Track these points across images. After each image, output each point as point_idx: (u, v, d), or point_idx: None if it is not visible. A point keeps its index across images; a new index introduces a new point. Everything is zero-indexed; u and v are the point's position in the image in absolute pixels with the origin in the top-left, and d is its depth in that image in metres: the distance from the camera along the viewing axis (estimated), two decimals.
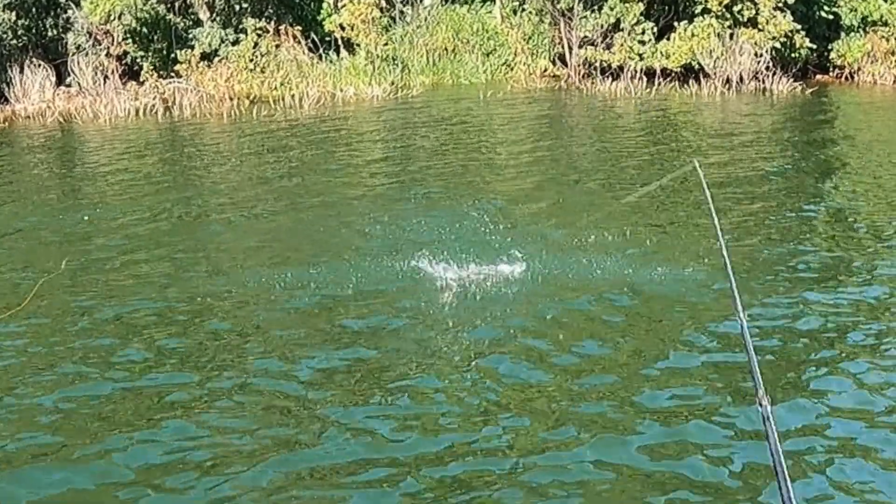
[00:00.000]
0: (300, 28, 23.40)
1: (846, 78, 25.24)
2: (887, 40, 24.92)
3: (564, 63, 24.90)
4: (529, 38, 25.15)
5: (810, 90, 22.95)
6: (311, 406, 6.51)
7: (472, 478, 5.56)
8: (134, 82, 22.01)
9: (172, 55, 22.43)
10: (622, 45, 23.50)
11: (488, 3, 26.14)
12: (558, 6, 24.02)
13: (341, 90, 22.49)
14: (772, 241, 10.42)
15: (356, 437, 6.05)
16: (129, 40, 22.21)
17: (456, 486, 5.49)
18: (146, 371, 7.14)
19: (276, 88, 22.16)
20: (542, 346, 7.45)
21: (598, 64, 23.81)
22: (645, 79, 23.16)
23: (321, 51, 23.49)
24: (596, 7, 23.68)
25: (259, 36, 22.88)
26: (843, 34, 25.21)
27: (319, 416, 6.36)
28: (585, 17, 23.74)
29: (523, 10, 25.43)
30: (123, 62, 22.41)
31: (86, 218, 10.38)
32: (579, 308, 8.26)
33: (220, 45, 22.71)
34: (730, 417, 6.22)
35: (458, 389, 6.72)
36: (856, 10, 25.02)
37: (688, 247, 10.10)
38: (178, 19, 22.92)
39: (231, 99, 21.41)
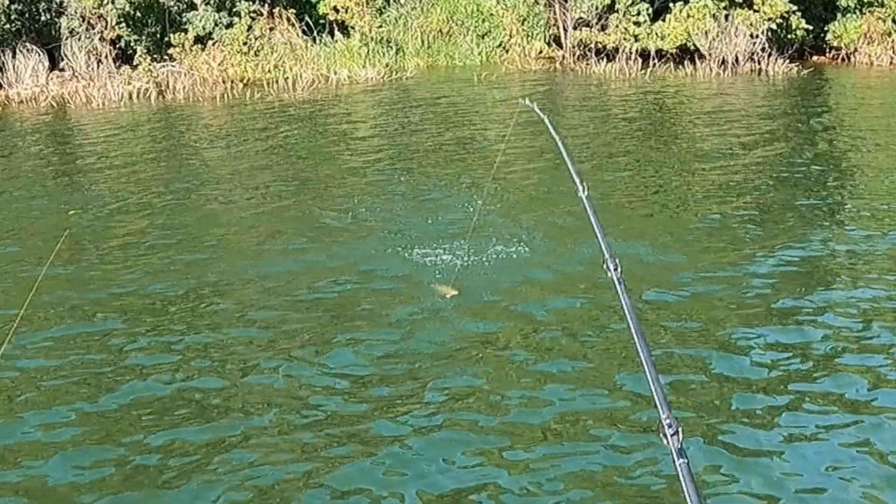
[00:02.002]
0: (294, 11, 23.32)
1: (842, 59, 25.13)
2: (884, 21, 24.79)
3: (559, 45, 24.82)
4: (524, 19, 25.04)
5: (806, 71, 22.87)
6: (292, 376, 6.64)
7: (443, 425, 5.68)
8: (127, 66, 21.94)
9: (166, 39, 22.36)
10: (617, 26, 23.42)
11: None
12: None
13: (335, 73, 22.42)
14: (745, 209, 10.56)
15: (332, 405, 6.17)
16: (123, 24, 22.11)
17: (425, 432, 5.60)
18: (128, 344, 7.23)
19: (269, 71, 22.08)
20: (523, 308, 7.56)
21: (592, 45, 23.73)
22: (640, 60, 23.09)
23: (315, 33, 23.41)
24: None
25: (253, 19, 22.79)
26: (839, 15, 25.07)
27: (300, 383, 6.53)
28: None
29: None
30: (117, 46, 22.32)
31: (71, 213, 10.44)
32: (561, 283, 8.33)
33: (213, 28, 22.61)
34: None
35: (437, 358, 6.83)
36: None
37: (665, 226, 10.19)
38: (172, 3, 22.79)
39: (224, 82, 21.35)
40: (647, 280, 8.21)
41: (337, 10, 23.21)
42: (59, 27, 22.12)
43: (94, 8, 21.80)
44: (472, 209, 10.55)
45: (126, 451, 5.67)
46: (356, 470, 5.38)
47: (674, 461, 2.41)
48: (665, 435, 2.54)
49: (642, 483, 5.18)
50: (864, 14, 24.94)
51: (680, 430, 2.51)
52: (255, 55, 22.48)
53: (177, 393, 6.39)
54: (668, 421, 2.55)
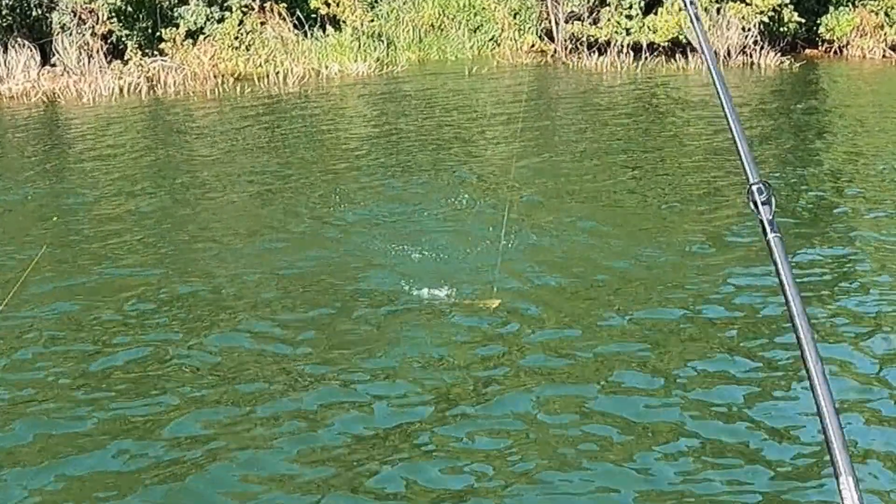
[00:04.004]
0: (285, 5, 23.29)
1: (835, 52, 25.11)
2: (876, 14, 24.79)
3: (551, 38, 24.81)
4: (516, 13, 25.01)
5: (798, 64, 22.86)
6: (282, 361, 6.70)
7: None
8: (118, 61, 21.93)
9: (157, 33, 22.34)
10: (609, 19, 23.41)
11: None
12: None
13: (326, 67, 22.39)
14: (737, 201, 10.56)
15: (324, 389, 6.24)
16: (114, 19, 22.11)
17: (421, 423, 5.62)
18: (117, 335, 7.28)
19: (260, 66, 22.07)
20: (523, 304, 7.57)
21: (584, 39, 23.72)
22: (632, 53, 23.08)
23: (306, 28, 23.39)
24: None
25: (244, 13, 22.77)
26: (831, 8, 25.04)
27: (289, 369, 6.57)
28: None
29: None
30: (108, 41, 22.31)
31: (55, 219, 10.44)
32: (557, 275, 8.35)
33: (205, 22, 22.61)
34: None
35: (429, 346, 6.84)
36: None
37: (659, 216, 10.20)
38: None
39: (215, 77, 21.34)
40: (639, 269, 8.25)
41: (328, 5, 23.16)
42: (51, 22, 22.10)
43: (85, 3, 21.80)
44: (462, 201, 10.60)
45: (102, 424, 5.77)
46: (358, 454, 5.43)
47: (764, 233, 2.07)
48: (755, 202, 2.13)
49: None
50: (857, 7, 24.92)
51: (773, 198, 2.13)
52: (247, 50, 22.47)
53: (158, 374, 6.48)
54: (757, 186, 2.15)
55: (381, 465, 5.24)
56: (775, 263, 2.01)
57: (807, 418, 5.67)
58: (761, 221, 2.10)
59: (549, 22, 24.75)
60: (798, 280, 7.76)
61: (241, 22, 22.64)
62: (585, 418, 5.74)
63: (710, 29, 22.70)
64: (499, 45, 24.85)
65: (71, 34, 21.83)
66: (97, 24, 22.09)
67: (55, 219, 10.51)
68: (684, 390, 6.07)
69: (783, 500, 4.90)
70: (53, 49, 21.80)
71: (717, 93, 2.50)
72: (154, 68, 21.61)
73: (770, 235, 2.07)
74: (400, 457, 5.34)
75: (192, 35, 22.45)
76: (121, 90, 20.56)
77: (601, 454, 5.34)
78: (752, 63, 22.82)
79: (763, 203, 2.12)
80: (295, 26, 23.26)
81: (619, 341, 6.86)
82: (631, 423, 5.66)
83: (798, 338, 1.86)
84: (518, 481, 5.07)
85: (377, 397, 6.04)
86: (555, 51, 24.42)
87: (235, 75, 21.63)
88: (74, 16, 22.07)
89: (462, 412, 5.82)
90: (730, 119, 2.39)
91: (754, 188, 2.14)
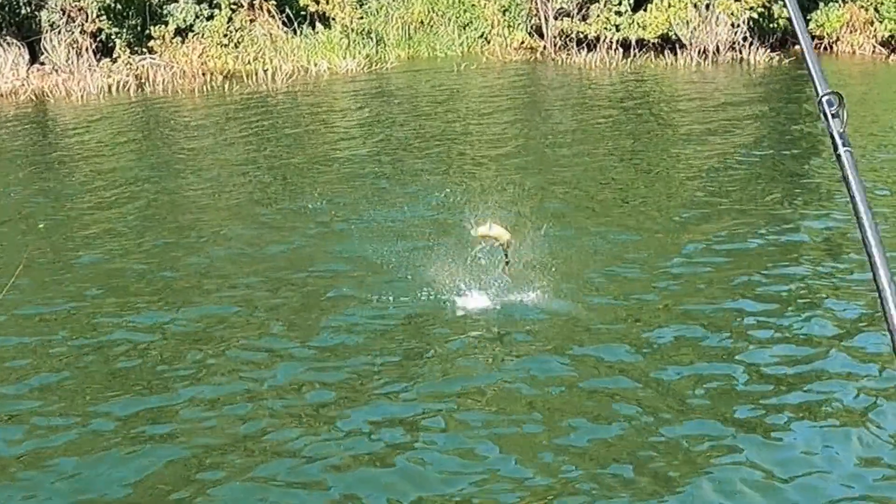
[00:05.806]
0: (275, 2, 23.28)
1: (825, 48, 25.11)
2: (866, 10, 24.81)
3: (541, 35, 24.81)
4: (506, 10, 25.02)
5: (787, 60, 22.88)
6: (253, 343, 6.87)
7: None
8: (108, 59, 21.92)
9: (146, 31, 22.32)
10: (598, 16, 23.41)
11: None
12: None
13: (315, 64, 22.40)
14: (727, 197, 10.63)
15: (292, 365, 6.46)
16: (104, 17, 22.09)
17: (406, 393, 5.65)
18: (99, 322, 7.37)
19: (249, 63, 22.07)
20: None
21: (574, 35, 23.72)
22: (621, 50, 23.08)
23: (295, 25, 23.39)
24: None
25: (233, 11, 22.76)
26: (821, 4, 25.05)
27: (273, 351, 6.74)
28: None
29: None
30: (97, 39, 22.30)
31: (41, 226, 10.47)
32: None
33: (194, 20, 22.59)
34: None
35: (411, 332, 7.01)
36: None
37: (648, 212, 10.27)
38: None
39: (204, 75, 21.33)
40: (633, 263, 8.30)
41: (318, 2, 23.17)
42: (40, 20, 22.06)
43: (74, 1, 21.77)
44: (451, 198, 10.65)
45: (90, 418, 5.84)
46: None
47: (834, 147, 1.96)
48: (825, 114, 2.01)
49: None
50: (847, 3, 24.94)
51: (843, 112, 2.00)
52: (235, 47, 22.46)
53: (144, 369, 6.53)
54: (828, 98, 2.02)
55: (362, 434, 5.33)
56: (845, 178, 1.93)
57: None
58: (831, 135, 1.99)
59: (539, 19, 24.75)
60: (785, 263, 7.88)
61: (230, 19, 22.63)
62: (567, 391, 5.84)
63: (699, 25, 22.75)
64: (488, 42, 24.85)
65: (60, 32, 21.80)
66: (86, 21, 22.07)
67: (41, 227, 10.51)
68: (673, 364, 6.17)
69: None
70: (42, 47, 21.76)
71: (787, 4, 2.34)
72: (143, 66, 21.61)
73: (841, 150, 1.97)
74: (373, 428, 5.41)
75: (182, 33, 22.43)
76: (110, 88, 20.55)
77: (581, 427, 5.42)
78: (742, 59, 22.85)
79: (833, 116, 2.01)
80: (284, 24, 23.25)
81: (600, 320, 6.97)
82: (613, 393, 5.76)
83: (869, 254, 1.83)
84: (500, 455, 5.19)
85: (353, 377, 6.10)
86: (544, 47, 24.42)
87: (224, 73, 21.61)
88: (63, 14, 22.04)
89: (430, 387, 5.93)
90: (799, 32, 2.25)
91: (824, 100, 2.02)
